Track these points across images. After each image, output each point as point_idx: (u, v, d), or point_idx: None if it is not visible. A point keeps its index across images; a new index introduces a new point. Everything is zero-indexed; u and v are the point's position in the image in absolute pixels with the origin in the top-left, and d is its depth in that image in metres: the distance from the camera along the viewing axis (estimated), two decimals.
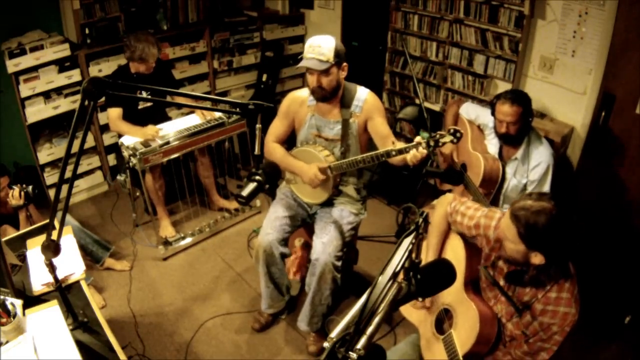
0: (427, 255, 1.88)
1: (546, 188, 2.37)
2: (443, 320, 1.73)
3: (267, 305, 2.62)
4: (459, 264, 1.72)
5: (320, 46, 2.12)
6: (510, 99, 2.30)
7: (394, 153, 1.97)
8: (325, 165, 2.26)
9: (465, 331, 1.60)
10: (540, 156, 2.36)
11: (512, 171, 2.44)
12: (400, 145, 1.96)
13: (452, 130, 1.88)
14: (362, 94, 2.31)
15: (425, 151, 1.90)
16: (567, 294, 1.46)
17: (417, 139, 1.91)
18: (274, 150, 2.43)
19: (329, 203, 2.46)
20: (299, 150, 2.41)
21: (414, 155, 1.91)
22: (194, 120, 3.27)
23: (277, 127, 2.45)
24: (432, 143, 1.89)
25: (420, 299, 1.16)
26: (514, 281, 1.55)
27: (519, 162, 2.42)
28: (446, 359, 1.57)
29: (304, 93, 2.40)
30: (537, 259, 1.42)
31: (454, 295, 1.68)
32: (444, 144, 1.89)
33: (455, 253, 1.77)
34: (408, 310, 1.93)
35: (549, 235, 1.38)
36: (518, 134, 2.36)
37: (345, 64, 2.22)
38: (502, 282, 1.61)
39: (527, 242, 1.40)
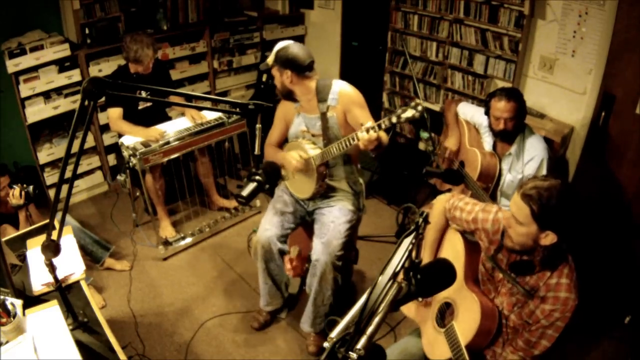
0: (425, 253, 1.88)
1: None
2: (444, 314, 1.73)
3: (265, 302, 2.62)
4: (459, 258, 1.73)
5: (274, 49, 2.26)
6: (505, 96, 2.32)
7: (361, 134, 1.93)
8: (307, 155, 2.31)
9: (466, 322, 1.60)
10: (534, 150, 2.37)
11: (507, 167, 2.45)
12: (367, 126, 1.93)
13: (413, 104, 1.84)
14: (337, 87, 2.31)
15: (375, 134, 1.89)
16: (566, 279, 1.48)
17: (370, 123, 1.91)
18: (269, 151, 2.55)
19: (325, 201, 2.47)
20: (287, 145, 2.49)
21: (367, 138, 1.90)
22: (187, 122, 3.26)
23: (274, 132, 2.56)
24: (394, 120, 1.85)
25: (420, 299, 1.16)
26: (518, 271, 1.55)
27: (513, 157, 2.43)
28: (448, 351, 1.58)
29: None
30: (548, 239, 1.41)
31: (454, 288, 1.68)
32: (406, 119, 1.83)
33: (455, 248, 1.78)
34: (407, 307, 1.93)
35: (562, 211, 1.38)
36: (514, 130, 2.37)
37: (286, 70, 2.26)
38: (500, 276, 1.61)
39: (540, 221, 1.39)
